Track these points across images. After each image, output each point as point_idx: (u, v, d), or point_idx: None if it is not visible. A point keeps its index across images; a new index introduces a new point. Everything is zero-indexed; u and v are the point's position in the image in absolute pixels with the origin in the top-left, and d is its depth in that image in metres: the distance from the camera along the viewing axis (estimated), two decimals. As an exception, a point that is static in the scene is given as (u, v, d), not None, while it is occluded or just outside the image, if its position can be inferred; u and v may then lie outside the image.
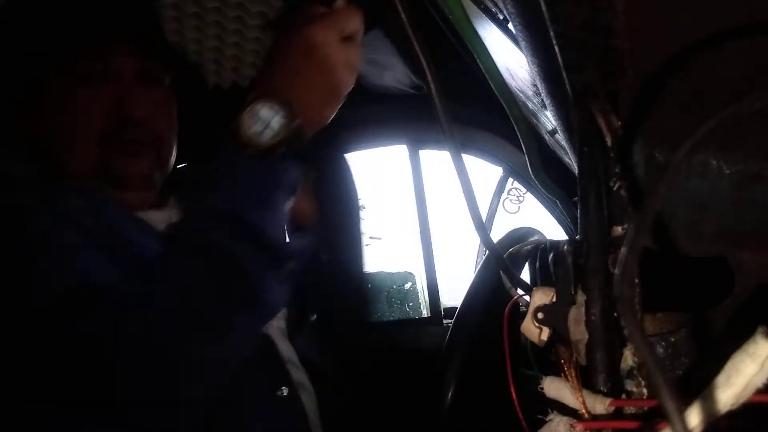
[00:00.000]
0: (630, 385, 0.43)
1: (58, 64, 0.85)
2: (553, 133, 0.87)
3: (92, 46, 0.85)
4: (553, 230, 1.52)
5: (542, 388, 0.44)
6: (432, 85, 0.45)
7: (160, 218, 0.90)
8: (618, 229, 0.44)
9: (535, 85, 0.65)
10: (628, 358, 0.43)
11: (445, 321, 1.67)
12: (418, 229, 1.74)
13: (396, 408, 1.20)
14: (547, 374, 0.44)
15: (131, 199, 0.89)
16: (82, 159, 0.85)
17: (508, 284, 0.75)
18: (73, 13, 0.86)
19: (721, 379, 0.32)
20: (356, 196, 1.08)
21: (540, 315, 0.47)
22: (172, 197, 0.97)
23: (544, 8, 0.40)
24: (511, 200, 1.63)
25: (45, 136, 0.87)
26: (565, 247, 0.45)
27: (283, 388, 0.88)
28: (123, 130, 0.85)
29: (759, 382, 0.31)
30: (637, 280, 0.42)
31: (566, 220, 1.41)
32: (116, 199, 0.87)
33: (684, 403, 0.31)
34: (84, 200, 0.81)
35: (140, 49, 0.88)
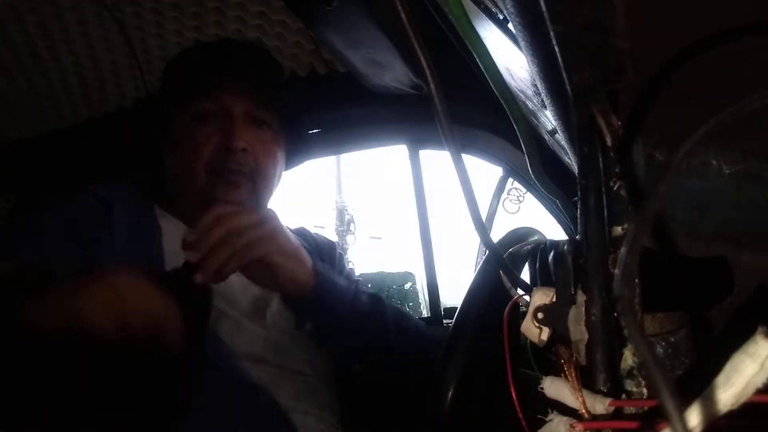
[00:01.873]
0: (630, 385, 0.43)
1: (181, 105, 1.07)
2: (553, 133, 0.87)
3: (207, 89, 1.06)
4: (553, 230, 1.52)
5: (542, 388, 0.44)
6: (432, 85, 0.45)
7: None
8: (618, 229, 0.44)
9: (535, 85, 0.65)
10: (628, 358, 0.43)
11: (445, 321, 1.67)
12: (418, 229, 1.74)
13: (396, 408, 1.20)
14: (547, 374, 0.44)
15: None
16: (194, 185, 1.04)
17: (508, 284, 0.75)
18: (195, 60, 1.12)
19: (721, 379, 0.32)
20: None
21: (540, 315, 0.47)
22: None
23: (544, 8, 0.40)
24: (511, 200, 1.62)
25: (171, 168, 1.09)
26: (565, 247, 0.45)
27: None
28: (225, 161, 1.02)
29: (759, 382, 0.31)
30: (637, 280, 0.42)
31: (566, 220, 1.41)
32: None
33: (684, 403, 0.31)
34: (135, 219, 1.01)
35: (249, 93, 1.07)
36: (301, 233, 1.27)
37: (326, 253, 1.26)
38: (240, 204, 1.02)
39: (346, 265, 1.29)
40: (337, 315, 1.01)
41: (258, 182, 1.06)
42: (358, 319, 1.04)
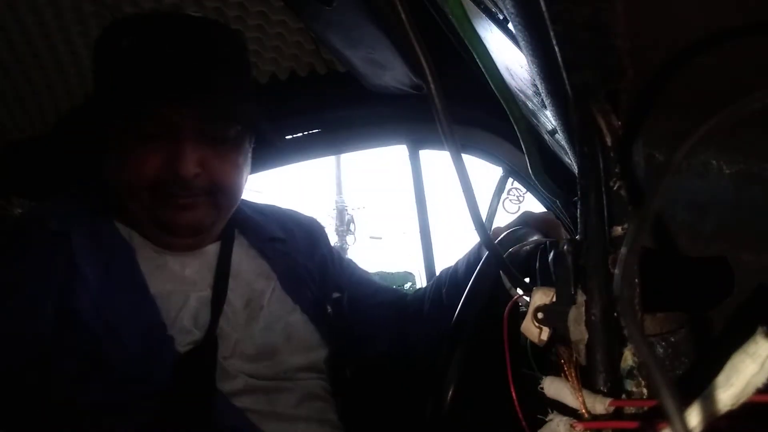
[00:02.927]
0: (630, 385, 0.42)
1: (121, 121, 0.91)
2: (553, 133, 0.87)
3: (148, 106, 0.89)
4: (553, 230, 1.51)
5: (542, 388, 0.44)
6: (432, 85, 0.45)
7: (191, 262, 0.99)
8: (618, 229, 0.44)
9: (535, 85, 0.65)
10: (628, 358, 0.43)
11: (445, 321, 1.67)
12: (418, 229, 1.74)
13: (395, 408, 1.20)
14: (547, 374, 0.44)
15: (177, 244, 0.98)
16: (136, 205, 0.92)
17: (508, 284, 0.75)
18: (132, 74, 0.91)
19: (721, 379, 0.32)
20: None
21: (540, 315, 0.47)
22: (217, 242, 1.04)
23: (544, 8, 0.40)
24: (511, 200, 1.62)
25: (112, 179, 0.95)
26: (565, 247, 0.45)
27: None
28: (170, 185, 0.90)
29: (759, 382, 0.31)
30: (637, 280, 0.42)
31: (566, 220, 1.41)
32: (163, 241, 0.96)
33: (684, 403, 0.31)
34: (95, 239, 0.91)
35: (199, 106, 0.91)
36: (276, 214, 1.19)
37: (317, 237, 1.20)
38: (192, 227, 0.95)
39: (332, 247, 1.24)
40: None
41: (218, 198, 0.95)
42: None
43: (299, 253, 1.13)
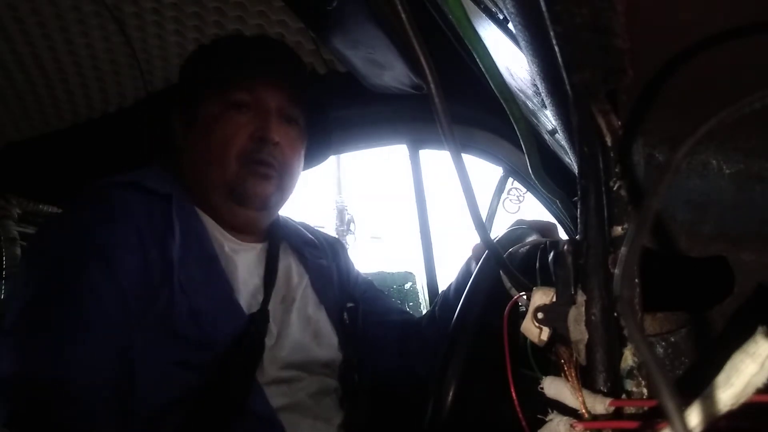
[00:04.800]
0: (630, 385, 0.43)
1: (216, 92, 1.07)
2: (553, 133, 0.87)
3: (245, 80, 1.07)
4: (553, 230, 1.52)
5: (542, 388, 0.44)
6: (432, 85, 0.45)
7: (246, 254, 1.08)
8: (618, 229, 0.44)
9: (535, 85, 0.65)
10: (628, 358, 0.43)
11: (445, 321, 1.67)
12: (418, 229, 1.74)
13: (395, 408, 1.20)
14: (547, 374, 0.44)
15: (247, 216, 1.08)
16: (222, 173, 1.04)
17: (508, 284, 0.75)
18: (232, 54, 1.12)
19: (721, 379, 0.32)
20: None
21: (540, 315, 0.47)
22: (266, 242, 1.15)
23: (544, 8, 0.40)
24: (511, 200, 1.62)
25: (194, 152, 1.07)
26: (565, 247, 0.45)
27: None
28: (258, 151, 1.04)
29: (759, 382, 0.31)
30: (637, 280, 0.42)
31: (566, 220, 1.41)
32: (236, 214, 1.06)
33: (684, 403, 0.31)
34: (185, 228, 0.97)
35: (284, 89, 1.10)
36: (306, 228, 1.30)
37: (337, 251, 1.30)
38: (264, 199, 1.06)
39: (353, 264, 1.33)
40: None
41: (284, 178, 1.09)
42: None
43: (326, 260, 1.24)
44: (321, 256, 1.24)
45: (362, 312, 1.20)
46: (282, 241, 1.18)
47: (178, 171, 1.09)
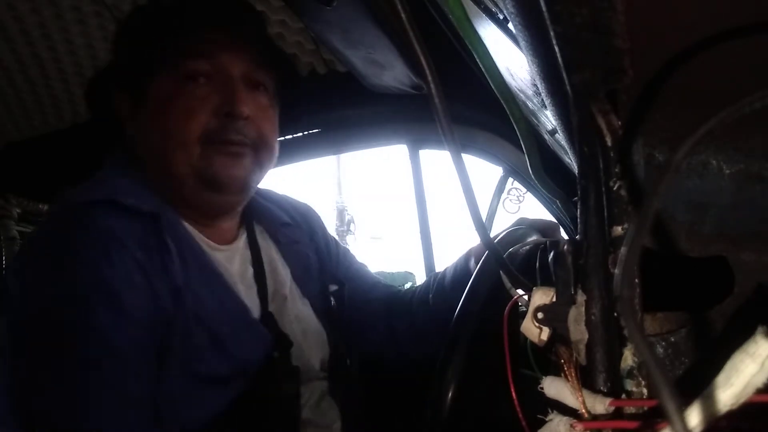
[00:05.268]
0: (630, 385, 0.43)
1: (166, 63, 0.88)
2: (553, 133, 0.87)
3: (200, 45, 0.88)
4: (553, 230, 1.52)
5: (542, 388, 0.44)
6: (432, 85, 0.45)
7: (232, 257, 0.97)
8: (618, 229, 0.44)
9: (535, 85, 0.65)
10: (628, 358, 0.43)
11: (445, 321, 1.67)
12: (418, 229, 1.74)
13: (395, 408, 1.20)
14: (547, 374, 0.44)
15: (225, 202, 0.93)
16: (185, 160, 0.86)
17: (508, 284, 0.75)
18: (182, 17, 0.91)
19: (721, 379, 0.32)
20: None
21: (540, 315, 0.47)
22: (243, 230, 1.02)
23: (544, 8, 0.40)
24: (511, 200, 1.62)
25: (147, 137, 0.90)
26: (565, 247, 0.45)
27: None
28: (226, 130, 0.87)
29: (759, 382, 0.31)
30: (637, 280, 0.42)
31: (566, 220, 1.41)
32: (211, 202, 0.92)
33: (684, 403, 0.31)
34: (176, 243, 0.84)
35: (248, 51, 0.91)
36: (276, 201, 1.16)
37: (312, 225, 1.19)
38: (242, 181, 0.92)
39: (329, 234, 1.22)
40: None
41: (260, 152, 0.93)
42: None
43: (303, 241, 1.12)
44: (297, 239, 1.11)
45: (348, 291, 1.11)
46: (256, 225, 1.05)
47: (137, 163, 0.93)
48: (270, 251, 1.05)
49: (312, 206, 1.24)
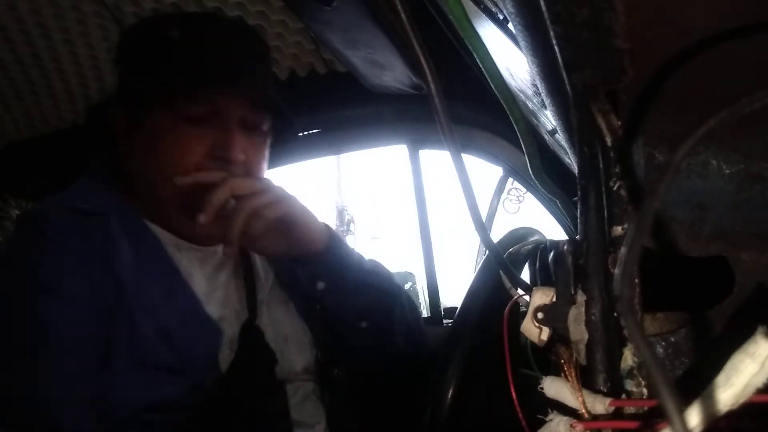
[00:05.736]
0: (630, 385, 0.43)
1: (166, 101, 0.91)
2: (553, 133, 0.87)
3: (201, 90, 0.91)
4: (553, 230, 1.52)
5: (542, 388, 0.44)
6: (432, 85, 0.45)
7: (207, 258, 0.98)
8: (618, 229, 0.44)
9: (535, 85, 0.65)
10: (628, 358, 0.43)
11: (445, 321, 1.67)
12: (418, 229, 1.74)
13: (395, 408, 1.20)
14: (547, 374, 0.44)
15: (206, 230, 0.94)
16: (173, 190, 0.90)
17: (508, 284, 0.75)
18: (187, 60, 0.93)
19: (721, 379, 0.32)
20: None
21: (540, 315, 0.47)
22: None
23: (544, 8, 0.40)
24: (511, 200, 1.62)
25: (139, 161, 0.94)
26: (565, 247, 0.45)
27: None
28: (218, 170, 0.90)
29: (759, 382, 0.31)
30: (637, 280, 0.42)
31: (566, 220, 1.41)
32: (193, 230, 0.94)
33: (684, 403, 0.31)
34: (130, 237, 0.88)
35: (246, 96, 0.94)
36: None
37: None
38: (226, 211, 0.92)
39: None
40: (349, 271, 1.01)
41: None
42: (366, 274, 1.04)
43: None
44: None
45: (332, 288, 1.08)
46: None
47: (122, 176, 0.97)
48: (253, 256, 1.06)
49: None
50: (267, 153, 1.01)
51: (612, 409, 0.40)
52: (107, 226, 0.86)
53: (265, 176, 1.01)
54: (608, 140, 0.45)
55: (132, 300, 0.83)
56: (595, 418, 0.41)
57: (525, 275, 0.86)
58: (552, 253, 0.47)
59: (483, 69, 0.63)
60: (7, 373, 0.78)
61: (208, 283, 0.96)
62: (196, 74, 0.92)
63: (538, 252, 0.80)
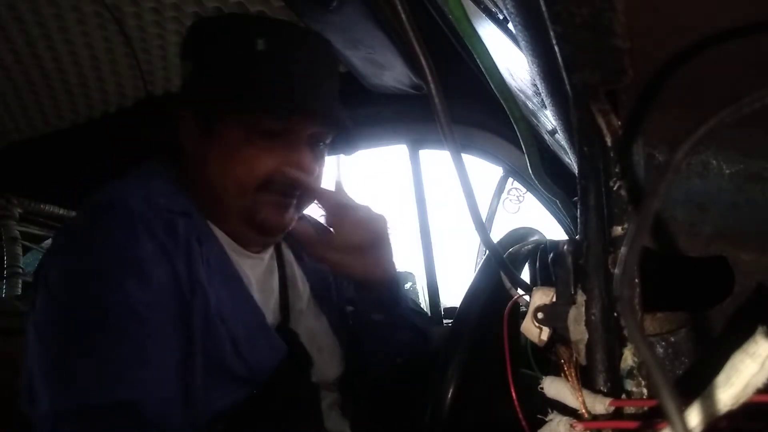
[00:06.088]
0: (630, 385, 0.43)
1: (243, 113, 0.92)
2: (553, 133, 0.87)
3: (280, 110, 0.92)
4: (553, 230, 1.52)
5: (542, 388, 0.44)
6: (432, 85, 0.45)
7: (258, 264, 1.01)
8: (618, 229, 0.44)
9: (535, 85, 0.65)
10: (628, 358, 0.43)
11: (445, 321, 1.67)
12: (418, 229, 1.74)
13: (395, 408, 1.20)
14: (547, 374, 0.44)
15: (265, 241, 1.01)
16: (239, 201, 0.93)
17: (508, 284, 0.75)
18: (273, 76, 0.92)
19: (721, 379, 0.32)
20: None
21: (540, 315, 0.47)
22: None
23: (544, 8, 0.40)
24: (511, 200, 1.63)
25: (207, 167, 0.94)
26: (565, 247, 0.45)
27: None
28: (279, 185, 0.93)
29: (759, 382, 0.31)
30: (637, 280, 0.42)
31: (566, 220, 1.41)
32: (251, 238, 0.98)
33: (684, 403, 0.31)
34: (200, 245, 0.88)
35: (320, 117, 0.96)
36: (303, 218, 1.18)
37: None
38: (283, 228, 0.98)
39: None
40: (400, 307, 1.05)
41: (304, 199, 0.99)
42: (411, 312, 1.08)
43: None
44: None
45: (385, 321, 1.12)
46: (282, 241, 1.10)
47: (186, 176, 0.97)
48: (292, 267, 1.09)
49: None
50: (324, 163, 1.03)
51: (612, 409, 0.40)
52: (189, 227, 0.86)
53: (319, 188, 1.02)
54: (608, 140, 0.45)
55: (209, 303, 0.83)
56: (595, 418, 0.41)
57: (525, 275, 0.86)
58: (552, 253, 0.47)
59: (483, 69, 0.63)
60: (94, 352, 0.76)
61: (261, 290, 0.98)
62: (281, 93, 0.92)
63: (538, 252, 0.80)
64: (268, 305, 0.97)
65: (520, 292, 0.62)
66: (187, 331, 0.81)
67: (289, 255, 1.10)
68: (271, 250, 1.06)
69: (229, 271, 0.92)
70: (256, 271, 1.00)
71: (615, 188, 0.45)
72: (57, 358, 0.77)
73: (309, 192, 0.98)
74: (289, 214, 0.96)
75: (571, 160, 0.76)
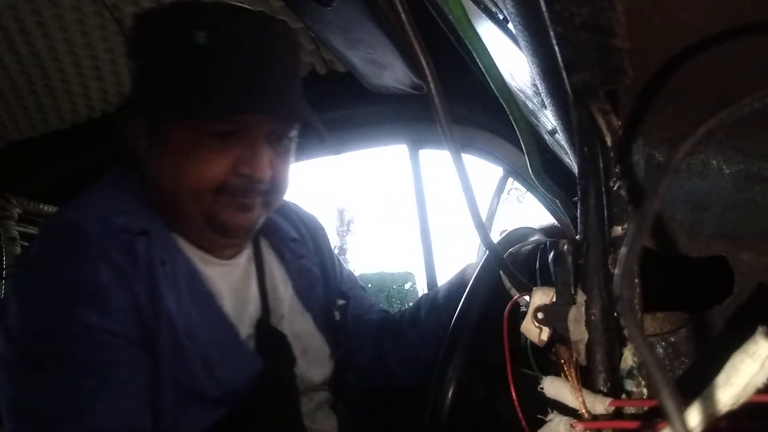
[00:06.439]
0: (630, 385, 0.43)
1: (192, 117, 0.85)
2: (553, 133, 0.87)
3: (232, 111, 0.85)
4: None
5: (542, 388, 0.44)
6: (432, 85, 0.45)
7: (226, 273, 0.96)
8: (618, 229, 0.44)
9: (535, 85, 0.65)
10: (628, 358, 0.43)
11: (445, 321, 1.67)
12: (418, 229, 1.74)
13: (395, 408, 1.20)
14: (547, 374, 0.44)
15: (224, 247, 0.96)
16: (197, 206, 0.88)
17: (508, 284, 0.75)
18: (217, 73, 0.85)
19: (721, 379, 0.32)
20: None
21: (540, 315, 0.47)
22: (248, 244, 1.02)
23: (544, 8, 0.40)
24: (511, 200, 1.62)
25: (161, 174, 0.89)
26: (565, 247, 0.45)
27: None
28: (236, 187, 0.87)
29: (759, 382, 0.31)
30: (637, 280, 0.42)
31: (566, 220, 1.41)
32: (215, 242, 0.93)
33: (684, 403, 0.31)
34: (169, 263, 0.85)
35: (277, 112, 0.89)
36: (284, 212, 1.14)
37: (319, 240, 1.17)
38: (248, 229, 0.94)
39: (338, 259, 1.22)
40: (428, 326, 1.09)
41: (272, 199, 0.94)
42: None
43: (308, 256, 1.12)
44: (303, 254, 1.10)
45: (350, 309, 1.12)
46: (261, 237, 1.05)
47: (140, 183, 0.92)
48: (272, 267, 1.05)
49: (318, 218, 1.23)
50: (291, 160, 0.97)
51: (612, 409, 0.40)
52: (149, 247, 0.83)
53: (286, 186, 0.97)
54: (608, 140, 0.45)
55: (177, 325, 0.81)
56: (595, 418, 0.41)
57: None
58: (552, 253, 0.47)
59: (483, 69, 0.63)
60: (51, 381, 0.75)
61: (236, 300, 0.95)
62: (226, 92, 0.84)
63: (538, 252, 0.80)
64: (245, 315, 0.94)
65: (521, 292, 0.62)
66: (153, 355, 0.79)
67: (269, 254, 1.05)
68: (247, 253, 1.01)
69: (197, 288, 0.89)
70: (231, 279, 0.96)
71: (615, 188, 0.45)
72: (22, 392, 0.76)
73: (274, 189, 0.92)
74: (252, 214, 0.91)
75: (571, 160, 0.76)
